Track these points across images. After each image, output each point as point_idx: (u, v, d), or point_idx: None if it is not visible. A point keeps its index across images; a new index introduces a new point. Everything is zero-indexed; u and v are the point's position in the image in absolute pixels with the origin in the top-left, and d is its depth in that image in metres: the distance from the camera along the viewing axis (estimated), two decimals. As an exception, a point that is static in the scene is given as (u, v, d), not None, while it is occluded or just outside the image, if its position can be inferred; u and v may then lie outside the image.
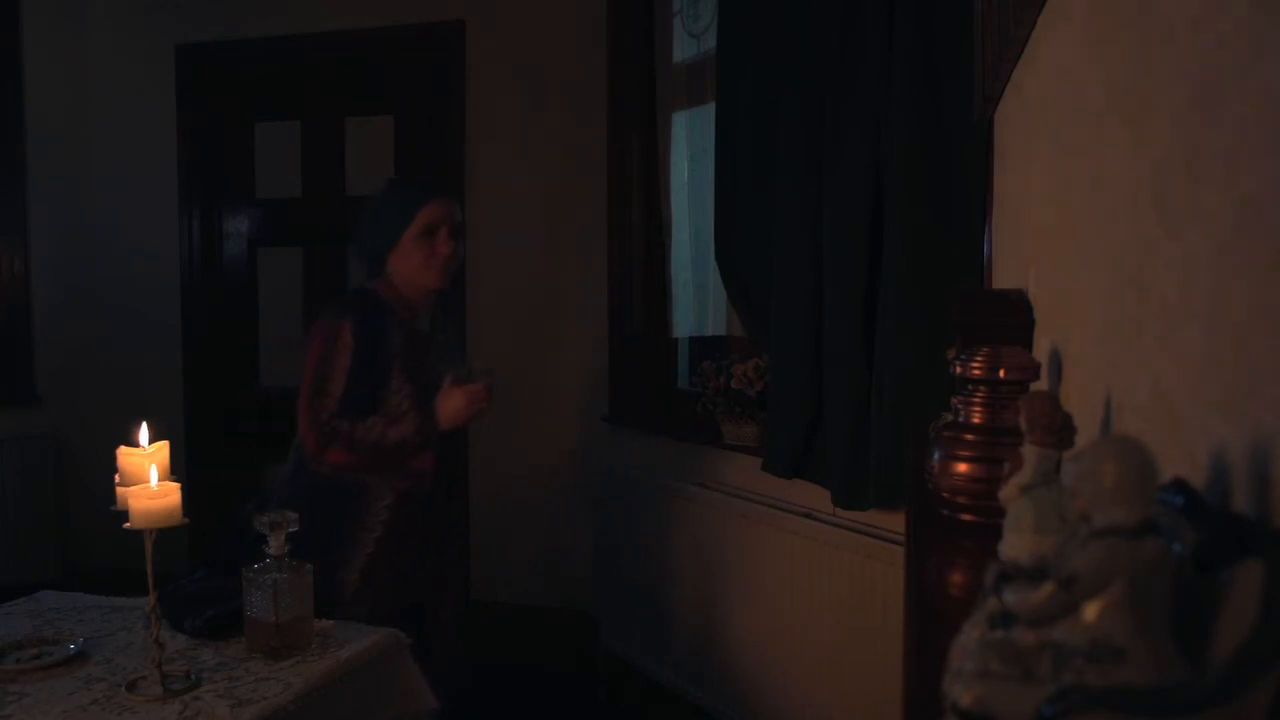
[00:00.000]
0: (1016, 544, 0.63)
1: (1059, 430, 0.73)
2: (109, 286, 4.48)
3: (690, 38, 3.66)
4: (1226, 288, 0.56)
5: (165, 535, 1.74)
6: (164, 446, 1.78)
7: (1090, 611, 0.45)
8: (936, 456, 1.11)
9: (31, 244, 4.35)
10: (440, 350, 2.56)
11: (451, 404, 2.40)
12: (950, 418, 1.16)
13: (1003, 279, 1.82)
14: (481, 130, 4.01)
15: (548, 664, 3.86)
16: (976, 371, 1.11)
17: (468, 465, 3.87)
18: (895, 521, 2.55)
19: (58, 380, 4.41)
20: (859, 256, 2.48)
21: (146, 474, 1.73)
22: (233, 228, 4.38)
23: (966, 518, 1.07)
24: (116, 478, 1.75)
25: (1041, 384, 1.15)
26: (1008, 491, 0.69)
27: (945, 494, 1.09)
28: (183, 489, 1.76)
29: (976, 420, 1.11)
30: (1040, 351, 1.25)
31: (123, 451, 1.76)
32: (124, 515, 1.72)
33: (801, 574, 2.83)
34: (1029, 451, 0.72)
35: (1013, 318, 1.27)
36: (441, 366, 2.48)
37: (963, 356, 1.13)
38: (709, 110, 3.33)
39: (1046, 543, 0.58)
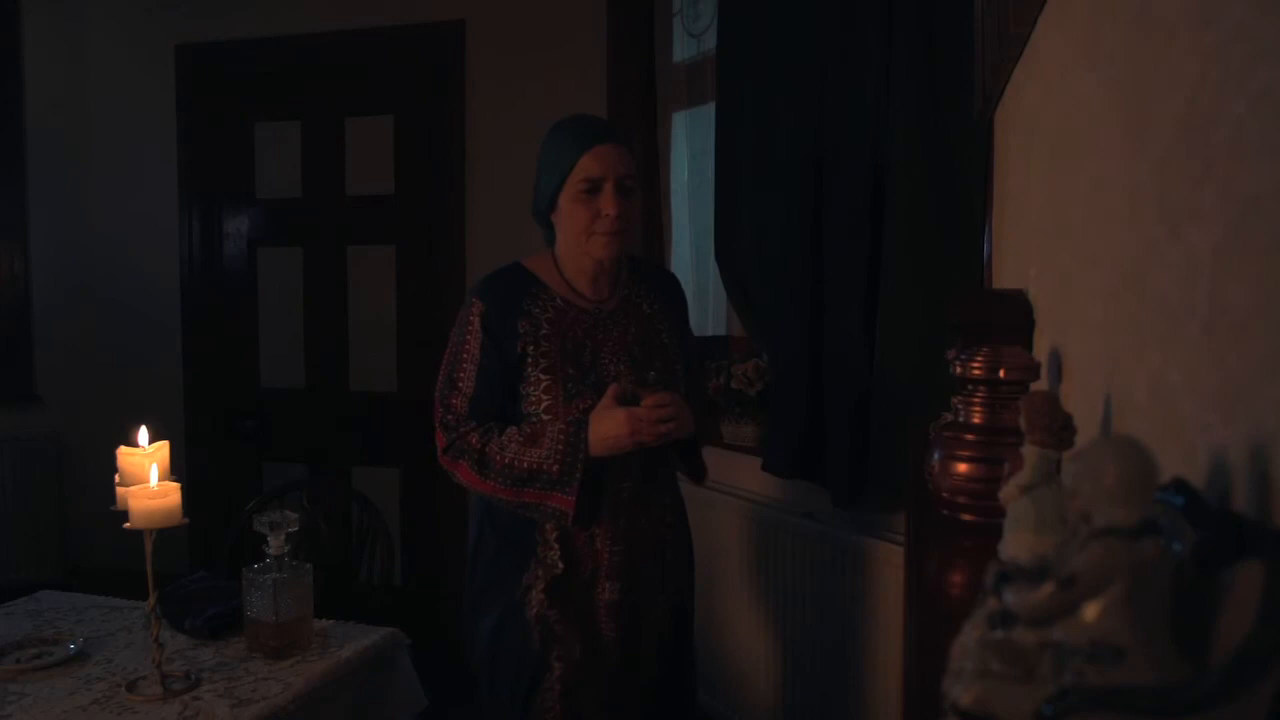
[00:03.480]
0: (1016, 544, 0.64)
1: (1059, 430, 0.73)
2: (109, 286, 4.48)
3: (690, 38, 3.66)
4: (1226, 288, 0.56)
5: (165, 535, 1.74)
6: (164, 446, 1.78)
7: (1090, 611, 0.45)
8: (936, 456, 1.11)
9: (31, 244, 4.35)
10: (645, 346, 2.01)
11: (607, 425, 1.85)
12: (950, 418, 1.16)
13: (1003, 279, 1.82)
14: (481, 130, 4.01)
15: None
16: (976, 371, 1.11)
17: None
18: (895, 521, 2.55)
19: (58, 380, 4.41)
20: (859, 256, 2.48)
21: (146, 474, 1.74)
22: (233, 228, 4.38)
23: (966, 518, 1.07)
24: (116, 478, 1.76)
25: (1041, 384, 1.15)
26: (1008, 491, 0.69)
27: (945, 494, 1.09)
28: (183, 489, 1.76)
29: (976, 420, 1.11)
30: (1040, 351, 1.25)
31: (123, 451, 1.76)
32: (124, 515, 1.72)
33: (801, 574, 2.83)
34: (1029, 451, 0.72)
35: (1013, 318, 1.27)
36: (629, 369, 1.96)
37: (963, 356, 1.13)
38: (709, 110, 3.33)
39: (1046, 543, 0.58)
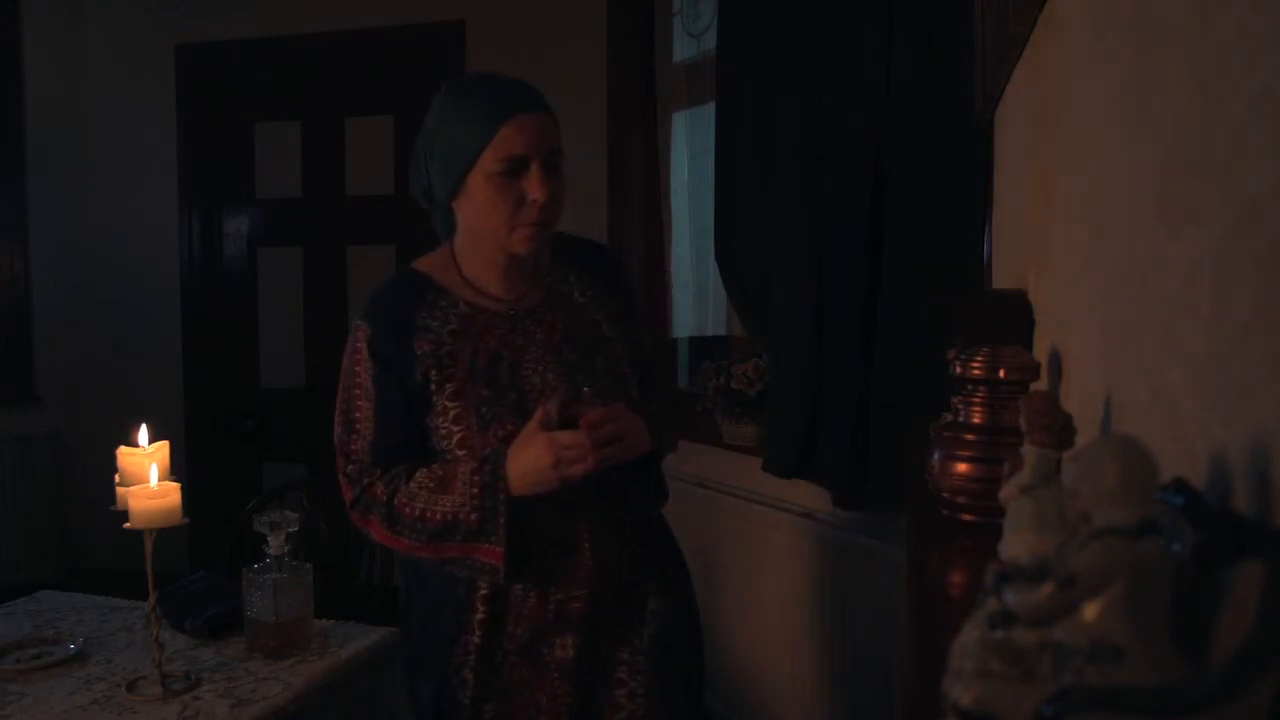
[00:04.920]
0: (1016, 544, 0.63)
1: (1059, 430, 0.73)
2: (109, 286, 4.48)
3: (690, 38, 3.66)
4: (1227, 288, 0.56)
5: (165, 535, 1.74)
6: (164, 446, 1.78)
7: (1090, 611, 0.45)
8: (936, 456, 1.11)
9: (31, 244, 4.35)
10: (579, 344, 1.64)
11: (526, 457, 1.49)
12: (950, 418, 1.16)
13: (1003, 279, 1.82)
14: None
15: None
16: (976, 371, 1.11)
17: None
18: (895, 521, 2.55)
19: (58, 380, 4.41)
20: (859, 256, 2.48)
21: (146, 474, 1.74)
22: (233, 228, 4.38)
23: (966, 518, 1.07)
24: (116, 478, 1.75)
25: (1041, 384, 1.15)
26: (1008, 491, 0.69)
27: (945, 494, 1.09)
28: (182, 489, 1.76)
29: (976, 420, 1.11)
30: (1040, 351, 1.25)
31: (123, 451, 1.76)
32: (124, 515, 1.72)
33: (801, 574, 2.83)
34: (1029, 451, 0.72)
35: (1013, 318, 1.27)
36: (560, 378, 1.60)
37: (963, 356, 1.13)
38: (709, 110, 3.33)
39: (1046, 543, 0.58)
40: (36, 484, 4.33)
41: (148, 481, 1.73)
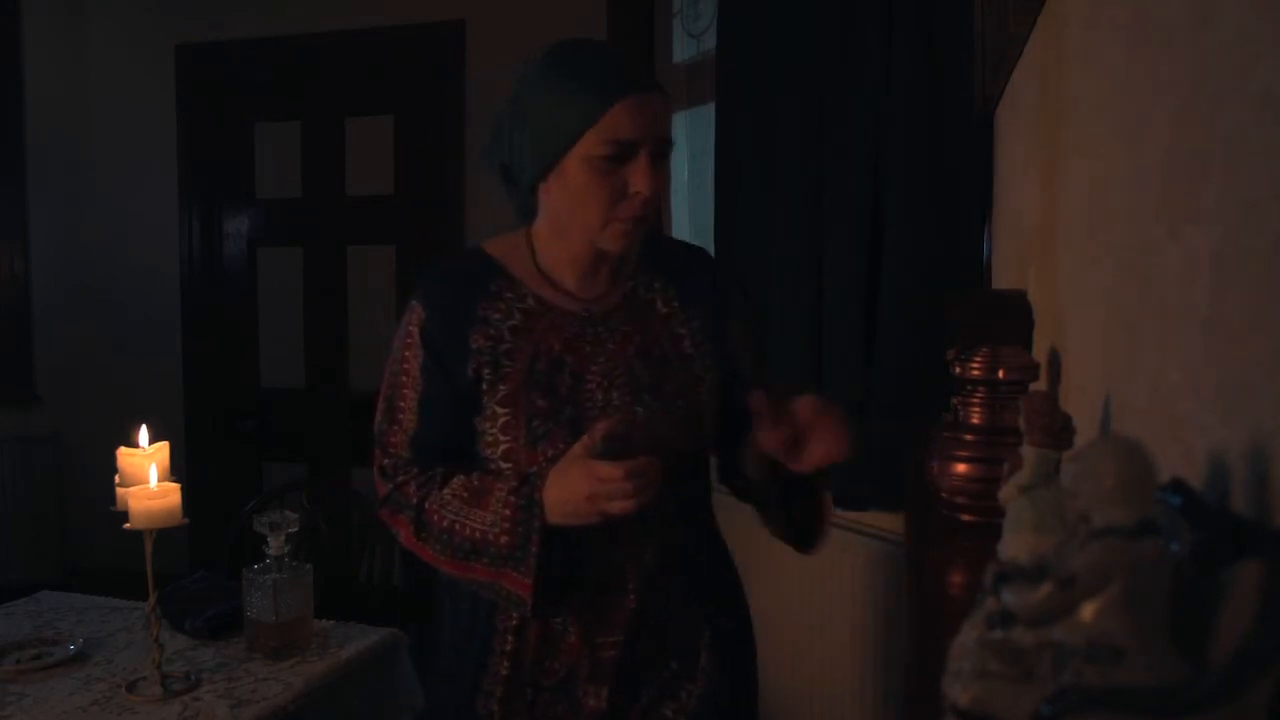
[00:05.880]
0: (1016, 544, 0.63)
1: (1058, 431, 0.73)
2: (109, 286, 4.48)
3: (690, 38, 3.66)
4: (1226, 288, 0.56)
5: (165, 535, 1.74)
6: (164, 447, 1.78)
7: (1089, 611, 0.45)
8: (936, 457, 1.11)
9: (31, 244, 4.35)
10: (653, 362, 1.44)
11: (566, 483, 1.31)
12: (950, 418, 1.16)
13: (1003, 279, 1.82)
14: (481, 130, 4.00)
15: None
16: (976, 372, 1.11)
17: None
18: (895, 521, 2.55)
19: (58, 380, 4.41)
20: (859, 256, 2.48)
21: (146, 474, 1.74)
22: (233, 228, 4.38)
23: (966, 518, 1.07)
24: (116, 478, 1.76)
25: (1041, 384, 1.15)
26: (1007, 492, 0.69)
27: (945, 494, 1.10)
28: (182, 489, 1.76)
29: (976, 420, 1.11)
30: (1040, 352, 1.25)
31: (123, 452, 1.76)
32: (124, 515, 1.72)
33: (801, 574, 2.82)
34: (1028, 452, 0.72)
35: (1013, 318, 1.27)
36: (626, 397, 1.41)
37: (963, 357, 1.13)
38: (709, 110, 3.33)
39: (1046, 543, 0.58)
40: (36, 484, 4.33)
41: (148, 482, 1.73)
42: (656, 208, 1.39)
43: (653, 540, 1.42)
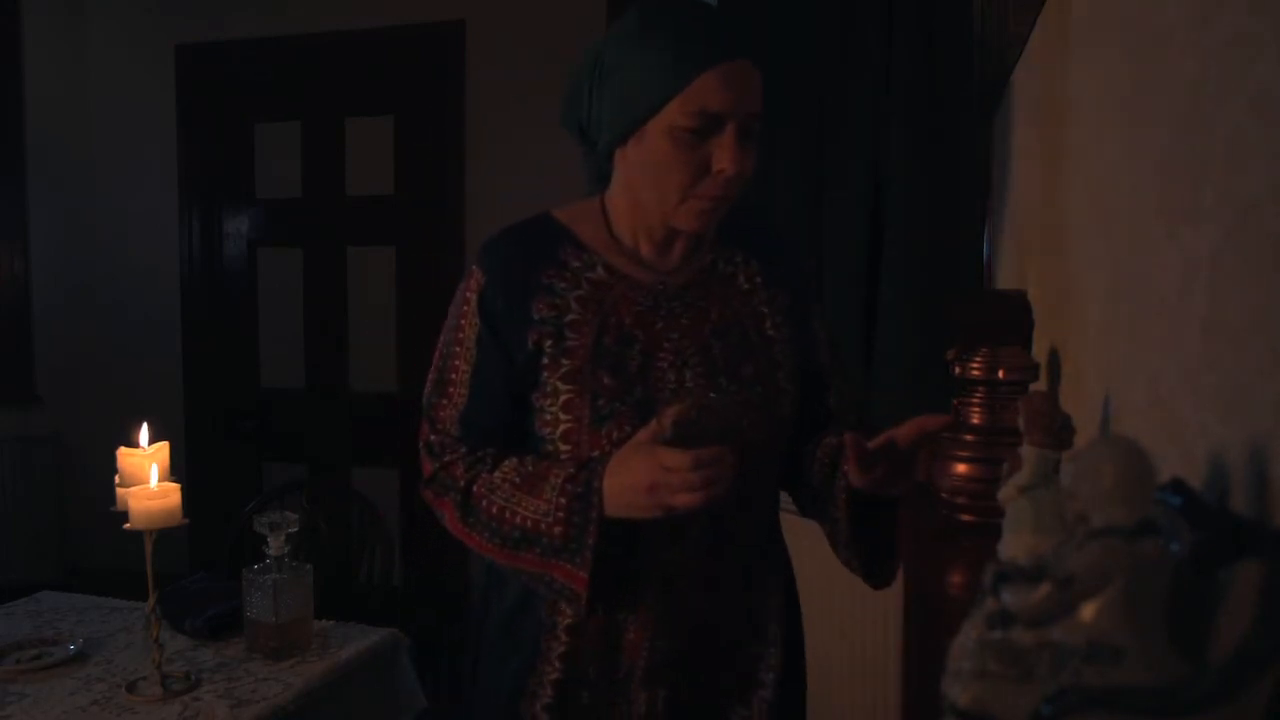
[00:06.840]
0: (1015, 544, 0.63)
1: (1058, 431, 0.73)
2: (109, 286, 4.48)
3: (690, 38, 3.66)
4: (1224, 289, 0.56)
5: (165, 536, 1.74)
6: (164, 447, 1.78)
7: (1088, 611, 0.45)
8: (936, 457, 1.11)
9: (31, 244, 4.35)
10: (731, 341, 1.33)
11: (627, 471, 1.20)
12: (950, 418, 1.16)
13: (1003, 279, 1.82)
14: (481, 130, 4.01)
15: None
16: (976, 372, 1.11)
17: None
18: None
19: (58, 380, 4.41)
20: (859, 256, 2.48)
21: (146, 474, 1.73)
22: (233, 228, 4.38)
23: (965, 518, 1.07)
24: (116, 478, 1.75)
25: (1040, 384, 1.15)
26: (1007, 492, 0.69)
27: (944, 494, 1.09)
28: (182, 489, 1.76)
29: (976, 420, 1.11)
30: (1039, 352, 1.25)
31: (123, 452, 1.76)
32: (124, 516, 1.72)
33: (800, 573, 2.82)
34: (1028, 452, 0.72)
35: (1013, 318, 1.27)
36: (701, 380, 1.29)
37: (962, 357, 1.13)
38: (709, 110, 3.33)
39: (1045, 543, 0.58)
40: (36, 484, 4.33)
41: (148, 482, 1.73)
42: (741, 188, 1.27)
43: (721, 538, 1.32)
